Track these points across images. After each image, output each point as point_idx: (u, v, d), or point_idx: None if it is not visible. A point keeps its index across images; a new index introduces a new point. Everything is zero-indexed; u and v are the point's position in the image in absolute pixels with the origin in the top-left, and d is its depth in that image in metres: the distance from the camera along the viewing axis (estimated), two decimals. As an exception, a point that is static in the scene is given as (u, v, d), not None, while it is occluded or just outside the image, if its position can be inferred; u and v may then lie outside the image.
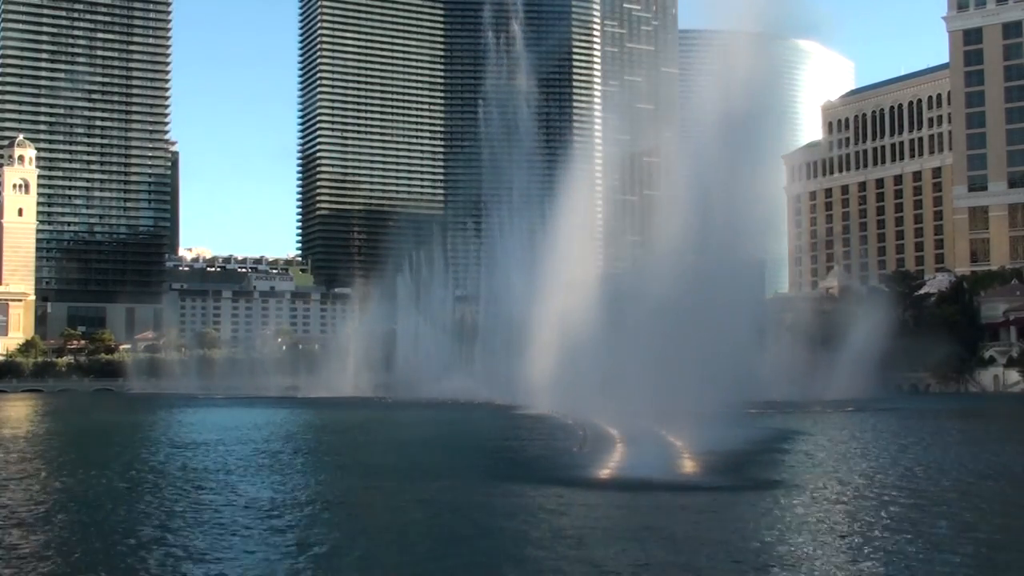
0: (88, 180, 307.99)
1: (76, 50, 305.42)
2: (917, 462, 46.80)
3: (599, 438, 52.35)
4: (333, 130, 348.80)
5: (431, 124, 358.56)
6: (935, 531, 28.04)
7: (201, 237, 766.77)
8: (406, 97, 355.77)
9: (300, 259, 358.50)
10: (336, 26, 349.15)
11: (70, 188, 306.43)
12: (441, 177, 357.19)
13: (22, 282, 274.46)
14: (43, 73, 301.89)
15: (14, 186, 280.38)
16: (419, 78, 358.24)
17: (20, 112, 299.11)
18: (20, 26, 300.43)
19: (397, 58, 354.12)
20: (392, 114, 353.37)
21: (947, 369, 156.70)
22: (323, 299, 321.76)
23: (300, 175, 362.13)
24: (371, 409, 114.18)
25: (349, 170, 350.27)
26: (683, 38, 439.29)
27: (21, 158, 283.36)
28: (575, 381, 40.91)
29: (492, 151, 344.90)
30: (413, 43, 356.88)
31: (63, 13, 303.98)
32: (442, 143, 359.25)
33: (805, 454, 50.95)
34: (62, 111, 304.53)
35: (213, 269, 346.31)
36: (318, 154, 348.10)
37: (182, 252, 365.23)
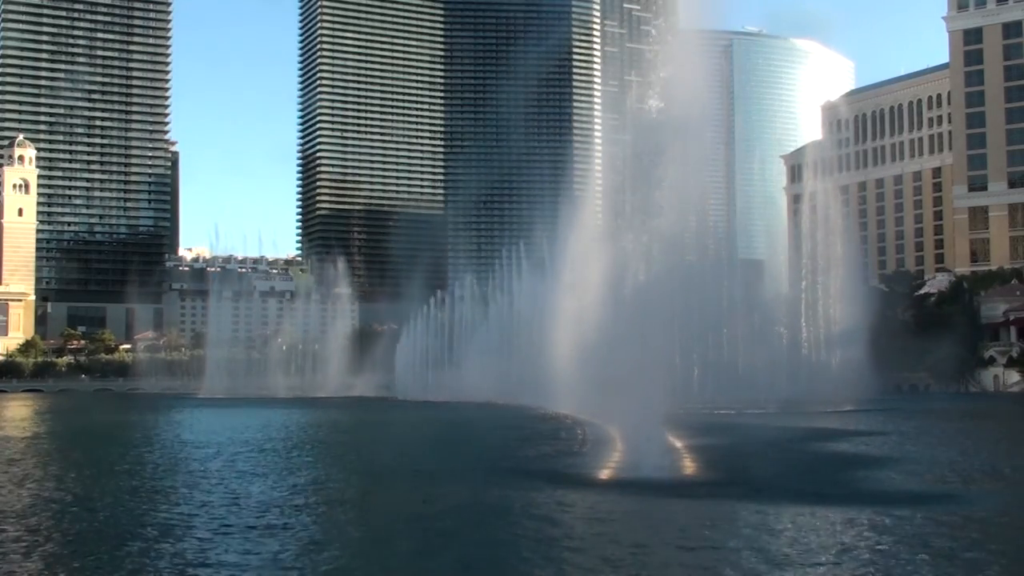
0: (88, 180, 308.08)
1: (76, 50, 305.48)
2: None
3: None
4: (333, 130, 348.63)
5: (431, 124, 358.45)
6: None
7: (201, 237, 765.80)
8: (406, 97, 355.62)
9: (300, 259, 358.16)
10: (336, 26, 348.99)
11: (70, 188, 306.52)
12: (441, 177, 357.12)
13: (22, 282, 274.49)
14: (43, 73, 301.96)
15: (14, 186, 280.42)
16: (419, 78, 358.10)
17: (20, 112, 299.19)
18: (20, 26, 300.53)
19: (397, 58, 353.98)
20: (392, 114, 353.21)
21: (947, 369, 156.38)
22: (323, 299, 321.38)
23: (300, 175, 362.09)
24: (374, 410, 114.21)
25: (349, 170, 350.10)
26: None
27: (21, 158, 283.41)
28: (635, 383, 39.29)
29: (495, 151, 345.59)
30: (413, 43, 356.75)
31: (63, 13, 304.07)
32: (442, 143, 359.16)
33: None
34: (62, 111, 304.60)
35: (213, 269, 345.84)
36: (318, 154, 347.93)
37: (182, 252, 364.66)
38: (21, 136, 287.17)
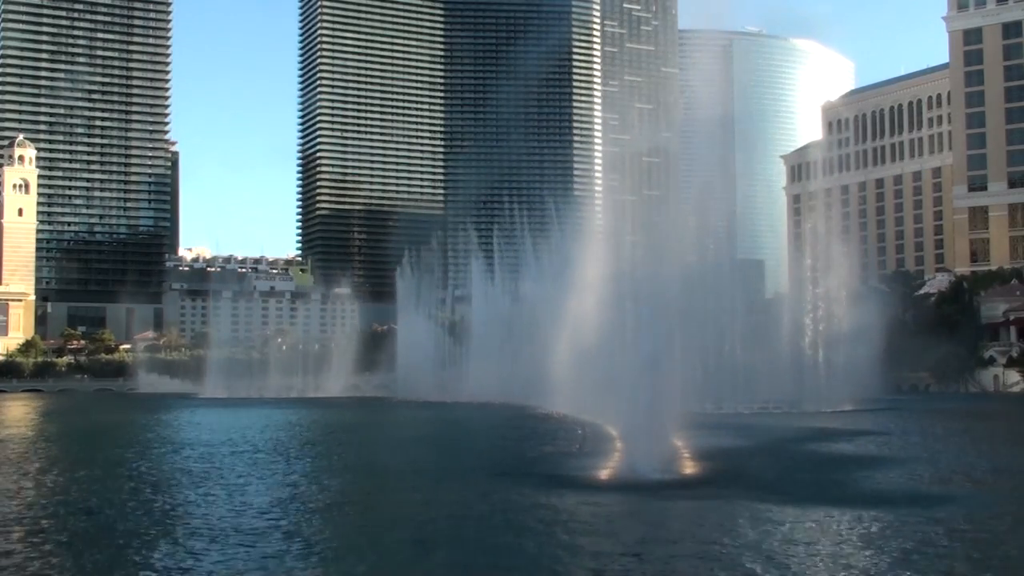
0: (88, 180, 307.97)
1: (76, 50, 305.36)
2: None
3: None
4: (333, 130, 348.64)
5: (431, 124, 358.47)
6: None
7: (201, 237, 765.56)
8: (406, 97, 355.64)
9: (300, 259, 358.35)
10: (336, 26, 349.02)
11: (70, 188, 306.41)
12: (441, 177, 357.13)
13: (22, 282, 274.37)
14: (43, 73, 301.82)
15: (14, 186, 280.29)
16: (419, 78, 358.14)
17: (20, 112, 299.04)
18: (20, 26, 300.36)
19: (397, 58, 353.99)
20: (392, 114, 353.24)
21: (947, 369, 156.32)
22: (323, 299, 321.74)
23: (300, 175, 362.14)
24: (374, 410, 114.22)
25: (349, 170, 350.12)
26: (683, 38, 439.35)
27: (21, 158, 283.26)
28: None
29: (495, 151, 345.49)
30: (413, 43, 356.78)
31: (63, 13, 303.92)
32: (442, 143, 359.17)
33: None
34: (62, 111, 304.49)
35: (213, 269, 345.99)
36: (318, 154, 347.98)
37: (182, 252, 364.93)
38: (21, 136, 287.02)
